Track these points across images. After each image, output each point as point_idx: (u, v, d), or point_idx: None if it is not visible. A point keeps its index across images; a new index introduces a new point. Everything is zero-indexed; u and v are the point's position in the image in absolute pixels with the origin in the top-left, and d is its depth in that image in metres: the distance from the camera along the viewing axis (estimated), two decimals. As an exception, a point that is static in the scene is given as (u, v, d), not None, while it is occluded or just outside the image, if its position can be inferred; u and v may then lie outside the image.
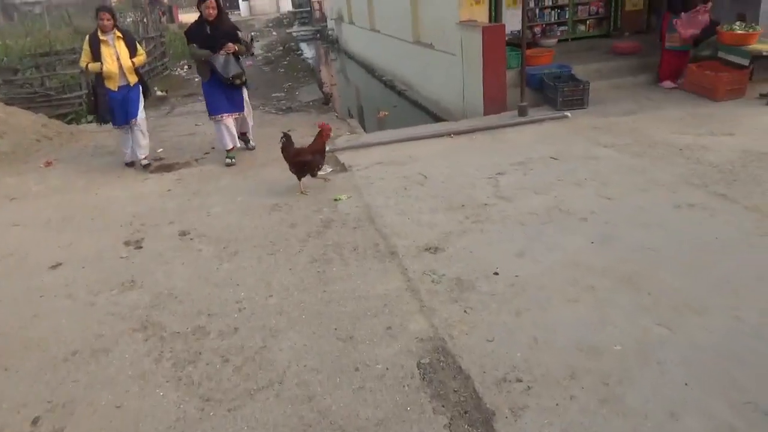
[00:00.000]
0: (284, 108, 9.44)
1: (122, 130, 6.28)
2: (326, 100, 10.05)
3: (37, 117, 8.38)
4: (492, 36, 6.96)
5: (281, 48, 20.85)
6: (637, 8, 9.64)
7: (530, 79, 7.11)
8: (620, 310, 2.95)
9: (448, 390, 2.51)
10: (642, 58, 7.97)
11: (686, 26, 7.03)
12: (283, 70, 15.01)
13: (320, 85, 11.65)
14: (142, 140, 6.26)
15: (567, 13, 9.56)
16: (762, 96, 6.57)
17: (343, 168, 5.64)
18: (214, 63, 5.67)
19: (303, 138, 7.00)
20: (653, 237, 3.67)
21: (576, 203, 4.29)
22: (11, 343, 3.22)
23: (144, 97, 6.35)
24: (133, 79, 6.06)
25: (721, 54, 7.11)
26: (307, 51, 22.19)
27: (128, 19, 17.60)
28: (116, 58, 5.90)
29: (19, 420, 2.62)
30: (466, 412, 2.38)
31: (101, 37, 5.83)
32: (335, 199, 4.86)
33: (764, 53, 6.71)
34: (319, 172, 5.55)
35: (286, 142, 5.17)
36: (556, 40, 9.23)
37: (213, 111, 6.07)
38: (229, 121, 6.07)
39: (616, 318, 2.88)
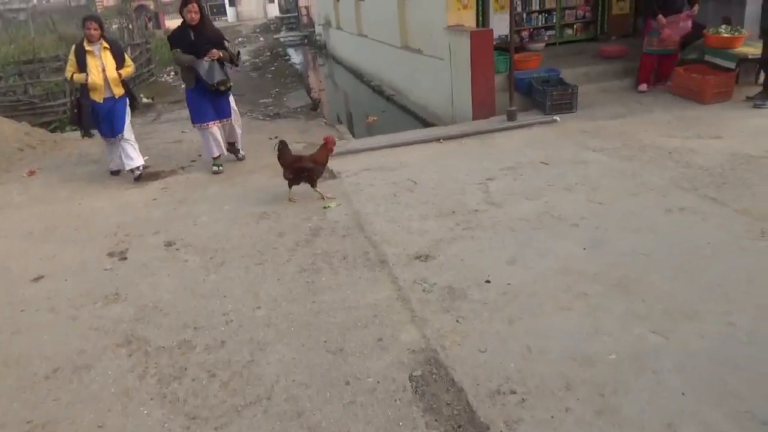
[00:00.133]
0: (272, 114, 9.38)
1: (108, 141, 6.12)
2: (314, 106, 10.00)
3: (19, 125, 8.25)
4: (480, 40, 6.94)
5: (269, 53, 20.78)
6: (624, 12, 9.69)
7: (519, 83, 7.10)
8: (613, 316, 2.91)
9: (441, 403, 2.46)
10: (629, 62, 7.99)
11: (676, 30, 7.05)
12: (270, 75, 14.95)
13: (308, 91, 11.60)
14: (132, 152, 6.01)
15: (554, 17, 9.60)
16: (748, 99, 6.60)
17: (332, 174, 5.57)
18: (198, 69, 5.57)
19: (290, 145, 6.96)
20: (645, 242, 3.65)
21: (567, 208, 4.26)
22: (-10, 360, 3.12)
23: (131, 109, 6.16)
24: (118, 91, 5.88)
25: (707, 57, 7.16)
26: (295, 56, 22.14)
27: (114, 26, 17.42)
28: (101, 70, 5.73)
29: (-3, 442, 2.53)
30: (459, 427, 2.33)
31: (87, 48, 5.68)
32: (324, 207, 4.79)
33: (750, 56, 6.76)
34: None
35: (282, 148, 5.06)
36: (544, 44, 9.26)
37: (198, 119, 5.96)
38: (215, 128, 5.97)
39: (609, 325, 2.84)
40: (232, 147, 6.35)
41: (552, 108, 6.79)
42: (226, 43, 5.85)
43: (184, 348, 3.07)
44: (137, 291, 3.74)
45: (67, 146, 8.01)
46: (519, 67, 7.39)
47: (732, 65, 6.83)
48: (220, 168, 6.10)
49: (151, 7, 46.68)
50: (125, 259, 4.26)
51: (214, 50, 5.59)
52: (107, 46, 5.79)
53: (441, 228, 4.16)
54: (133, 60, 6.33)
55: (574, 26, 9.78)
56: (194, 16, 5.58)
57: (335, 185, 5.26)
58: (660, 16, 7.01)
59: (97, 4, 44.71)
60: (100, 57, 5.73)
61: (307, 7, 28.64)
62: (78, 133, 7.92)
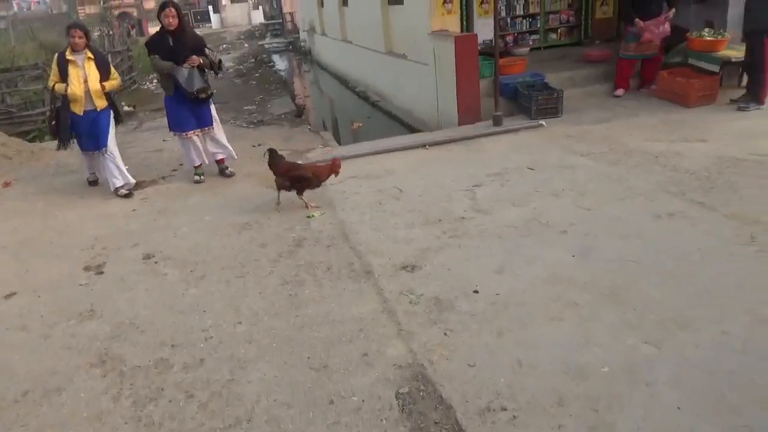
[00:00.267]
0: (255, 121, 9.24)
1: (87, 156, 5.84)
2: (299, 113, 9.88)
3: (-5, 135, 8.04)
4: (464, 45, 6.89)
5: (253, 60, 20.63)
6: (607, 16, 9.70)
7: (504, 88, 7.05)
8: (605, 327, 2.84)
9: (428, 422, 2.36)
10: (613, 66, 7.95)
11: (655, 35, 7.06)
12: (254, 82, 14.81)
13: (293, 98, 11.49)
14: (114, 169, 5.67)
15: (538, 21, 9.58)
16: (732, 101, 6.61)
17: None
18: (177, 76, 5.43)
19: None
20: (634, 248, 3.59)
21: (554, 215, 4.19)
22: (-44, 383, 2.97)
23: (116, 122, 5.89)
24: (101, 103, 5.59)
25: (691, 60, 7.17)
26: (280, 63, 22.02)
27: (95, 34, 17.17)
28: (83, 81, 5.44)
29: (-41, 473, 2.38)
30: (448, 447, 2.23)
31: (69, 57, 5.41)
32: (308, 216, 4.68)
33: (733, 59, 6.77)
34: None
35: (272, 157, 4.93)
36: (529, 48, 9.23)
37: (177, 128, 5.80)
38: (195, 137, 5.83)
39: (601, 336, 2.77)
40: (219, 163, 6.06)
41: (537, 113, 6.75)
42: (207, 50, 5.70)
43: (161, 367, 2.94)
44: (113, 307, 3.60)
45: (44, 156, 7.81)
46: (504, 72, 7.36)
47: (716, 68, 6.84)
48: (202, 177, 5.96)
49: (135, 14, 46.41)
50: (102, 273, 4.12)
51: (194, 57, 5.45)
52: (91, 56, 5.53)
53: (427, 236, 4.07)
54: (115, 67, 6.03)
55: (558, 30, 9.77)
56: (172, 21, 5.41)
57: (319, 193, 5.15)
58: (638, 20, 7.03)
59: (79, 11, 44.32)
60: (83, 67, 5.47)
61: (291, 14, 28.55)
62: (55, 143, 7.79)
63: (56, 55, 5.65)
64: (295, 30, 26.09)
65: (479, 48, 7.19)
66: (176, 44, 5.48)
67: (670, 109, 6.69)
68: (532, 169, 5.22)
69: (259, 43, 29.35)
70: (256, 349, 2.99)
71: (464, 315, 3.07)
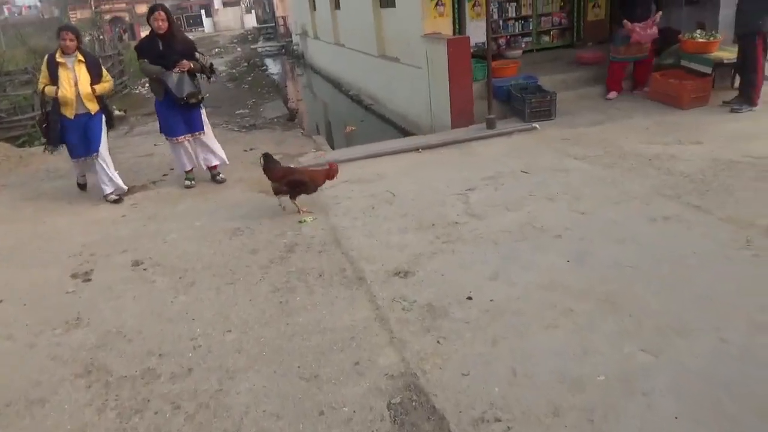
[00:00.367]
0: (248, 125, 9.18)
1: (78, 161, 5.65)
2: (291, 116, 9.83)
3: (-17, 141, 7.94)
4: (457, 48, 6.86)
5: (246, 64, 20.56)
6: (599, 18, 9.71)
7: (497, 90, 7.03)
8: (601, 334, 2.78)
9: (421, 434, 2.30)
10: (605, 68, 7.95)
11: (642, 37, 7.05)
12: (247, 86, 14.74)
13: (285, 101, 11.43)
14: (105, 176, 5.56)
15: (531, 24, 9.58)
16: (725, 103, 6.60)
17: (308, 187, 5.40)
18: (167, 81, 5.35)
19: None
20: (630, 253, 3.54)
21: (549, 219, 4.15)
22: (-64, 397, 2.88)
23: (108, 127, 5.76)
24: (92, 107, 5.46)
25: (683, 62, 7.16)
26: (273, 66, 21.97)
27: (86, 38, 17.06)
28: (74, 84, 5.31)
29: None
30: (442, 459, 2.17)
31: (59, 60, 5.27)
32: (300, 222, 4.62)
33: (725, 61, 6.77)
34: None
35: (267, 162, 4.84)
36: (521, 51, 9.22)
37: (168, 133, 5.74)
38: (186, 142, 5.75)
39: (597, 344, 2.72)
40: (211, 170, 5.97)
41: (531, 115, 6.72)
42: (197, 54, 5.62)
43: (148, 377, 2.87)
44: (100, 315, 3.52)
45: (33, 162, 7.72)
46: (497, 75, 7.34)
47: (708, 70, 6.84)
48: (193, 182, 5.88)
49: (127, 18, 46.27)
50: (89, 280, 4.04)
51: (184, 61, 5.37)
52: (82, 58, 5.39)
53: (421, 242, 4.02)
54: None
55: (551, 33, 9.77)
56: (161, 24, 5.33)
57: (311, 198, 5.08)
58: (626, 22, 7.03)
59: (70, 16, 44.11)
60: (74, 70, 5.33)
61: (284, 17, 28.53)
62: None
63: (46, 56, 5.52)
64: (288, 34, 26.06)
65: (472, 51, 7.16)
66: (166, 48, 5.40)
67: (664, 111, 6.68)
68: (527, 173, 5.18)
69: (252, 47, 29.29)
70: (246, 359, 2.92)
71: (458, 322, 3.02)
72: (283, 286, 3.60)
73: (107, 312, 3.55)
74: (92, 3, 44.36)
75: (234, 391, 2.69)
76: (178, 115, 5.60)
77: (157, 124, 6.13)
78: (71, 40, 5.30)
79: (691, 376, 2.44)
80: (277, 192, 4.77)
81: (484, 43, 7.05)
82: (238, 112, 10.78)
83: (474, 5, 8.72)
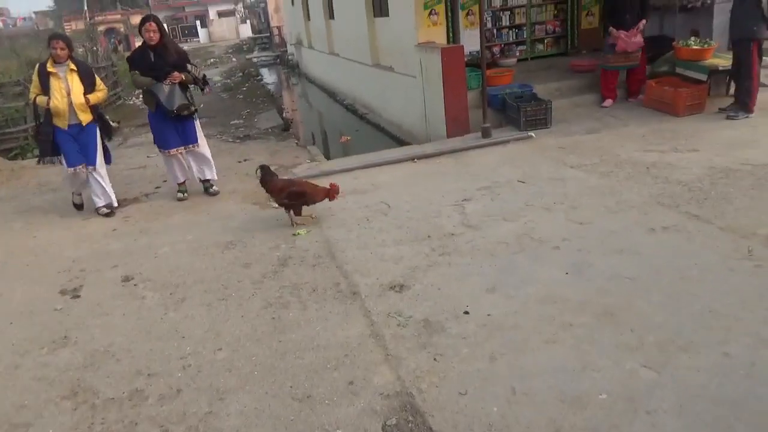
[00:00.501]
0: (242, 136, 9.12)
1: (73, 174, 5.40)
2: (286, 127, 9.77)
3: (-27, 154, 7.85)
4: (451, 57, 6.82)
5: (240, 74, 20.54)
6: (593, 26, 9.71)
7: (492, 99, 6.99)
8: (602, 350, 2.71)
9: (418, 458, 2.22)
10: (599, 76, 7.93)
11: (627, 45, 7.03)
12: (242, 96, 14.70)
13: (280, 111, 11.37)
14: (98, 188, 5.46)
15: (525, 32, 9.57)
16: (721, 110, 6.57)
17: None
18: (158, 93, 5.29)
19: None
20: (629, 264, 3.48)
21: (547, 230, 4.08)
22: None
23: (105, 138, 5.64)
24: (86, 117, 5.30)
25: (678, 69, 7.14)
26: (268, 76, 21.95)
27: (79, 49, 17.01)
28: (66, 94, 5.16)
29: None
30: (439, 485, 2.09)
31: (50, 69, 5.14)
32: (294, 234, 4.54)
33: (720, 68, 6.75)
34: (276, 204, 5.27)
35: (265, 174, 4.76)
36: (516, 59, 9.20)
37: (162, 145, 5.66)
38: (180, 155, 5.67)
39: (598, 360, 2.64)
40: (204, 182, 5.88)
41: (527, 124, 6.67)
42: (189, 66, 5.53)
43: (136, 399, 2.78)
44: (88, 334, 3.43)
45: (25, 175, 7.64)
46: (492, 83, 7.30)
47: (703, 77, 6.82)
48: (185, 195, 5.81)
49: (122, 29, 46.28)
50: (78, 297, 3.95)
51: (175, 73, 5.30)
52: (74, 67, 5.24)
53: (416, 254, 3.94)
54: None
55: (545, 41, 9.77)
56: (153, 36, 5.27)
57: (306, 210, 5.01)
58: (612, 29, 7.03)
59: (65, 27, 44.10)
60: (66, 79, 5.18)
61: (279, 27, 28.54)
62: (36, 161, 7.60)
63: (37, 65, 5.40)
64: (283, 43, 26.06)
65: (466, 59, 7.12)
66: (158, 59, 5.34)
67: (660, 119, 6.64)
68: (523, 182, 5.12)
69: (247, 56, 29.29)
70: (237, 378, 2.83)
71: (455, 338, 2.94)
72: (275, 302, 3.52)
73: (96, 330, 3.46)
74: (87, 14, 44.41)
75: (224, 413, 2.60)
76: (171, 127, 5.53)
77: (150, 136, 6.05)
78: (62, 48, 5.16)
79: (696, 394, 2.37)
80: (281, 204, 4.67)
81: (478, 52, 7.01)
82: (232, 122, 10.72)
83: (468, 14, 8.71)
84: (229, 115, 11.63)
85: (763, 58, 6.69)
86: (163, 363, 3.03)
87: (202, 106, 11.10)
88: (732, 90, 6.81)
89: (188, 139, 5.63)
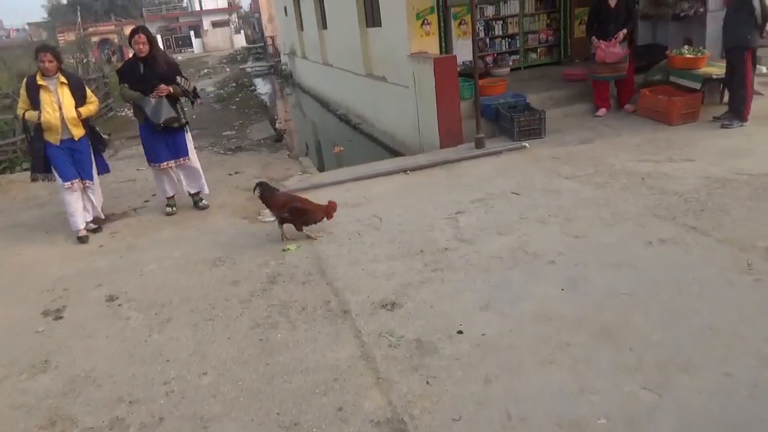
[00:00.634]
0: (233, 147, 9.02)
1: (69, 186, 5.14)
2: (278, 137, 9.68)
3: (-41, 168, 7.72)
4: (443, 67, 6.76)
5: (234, 84, 20.47)
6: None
7: (485, 109, 6.93)
8: (600, 371, 2.62)
9: (409, 490, 2.11)
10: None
11: (606, 55, 6.99)
12: (234, 107, 14.62)
13: (272, 122, 11.27)
14: (88, 204, 5.35)
15: (518, 42, 9.55)
16: (715, 119, 6.53)
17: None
18: (144, 107, 5.20)
19: (249, 181, 6.61)
20: (626, 279, 3.39)
21: (541, 243, 4.00)
22: None
23: (99, 150, 5.46)
24: (78, 132, 5.12)
25: (672, 78, 7.10)
26: (262, 86, 21.91)
27: (71, 60, 16.92)
28: (58, 107, 4.96)
29: None
30: None
31: (40, 82, 4.92)
32: (284, 250, 4.44)
33: (714, 76, 6.71)
34: (268, 218, 5.18)
35: (264, 191, 4.66)
36: (509, 69, 9.17)
37: (152, 159, 5.55)
38: (170, 169, 5.56)
39: (596, 382, 2.55)
40: (194, 195, 5.77)
41: (520, 134, 6.61)
42: (179, 78, 5.43)
43: (116, 428, 2.67)
44: (70, 357, 3.31)
45: (12, 189, 7.53)
46: (485, 93, 7.25)
47: (697, 86, 6.78)
48: (174, 209, 5.70)
49: (115, 40, 46.26)
50: (61, 318, 3.83)
51: (162, 86, 5.20)
52: (65, 80, 5.03)
53: (408, 270, 3.85)
54: None
55: (538, 50, 9.75)
56: (142, 47, 5.17)
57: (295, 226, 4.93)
58: (594, 39, 7.01)
59: (59, 38, 44.05)
60: (57, 92, 4.98)
61: (273, 37, 28.58)
62: (26, 174, 7.47)
63: (25, 79, 5.19)
64: (277, 53, 26.07)
65: (459, 69, 7.08)
66: (147, 71, 5.24)
67: (654, 128, 6.59)
68: (517, 194, 5.05)
69: (241, 67, 29.28)
70: (222, 405, 2.72)
71: (448, 359, 2.84)
72: (264, 322, 3.42)
73: (77, 353, 3.35)
74: (80, 25, 44.39)
75: (208, 442, 2.50)
76: (162, 141, 5.42)
77: (141, 148, 5.93)
78: (50, 61, 4.94)
79: (698, 417, 2.28)
80: (283, 220, 4.56)
81: (471, 62, 6.96)
82: (224, 133, 10.63)
83: (460, 24, 8.68)
84: (221, 126, 11.54)
85: (757, 66, 6.67)
86: (146, 389, 2.92)
87: (194, 117, 11.02)
88: (726, 98, 6.77)
89: (179, 152, 5.53)
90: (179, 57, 41.54)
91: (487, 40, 9.36)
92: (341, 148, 9.71)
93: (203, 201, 5.78)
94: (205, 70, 29.41)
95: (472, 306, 3.31)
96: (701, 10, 7.49)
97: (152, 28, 46.45)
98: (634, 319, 2.99)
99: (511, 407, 2.46)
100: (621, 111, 7.39)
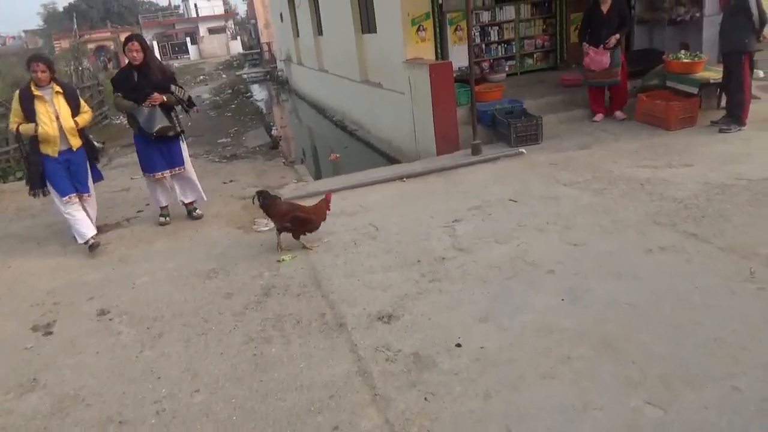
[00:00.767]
0: (228, 155, 8.95)
1: (67, 201, 4.96)
2: (274, 145, 9.62)
3: (-50, 178, 7.63)
4: (439, 73, 6.71)
5: (230, 91, 20.44)
6: (582, 40, 9.65)
7: (482, 115, 6.88)
8: (603, 386, 2.55)
9: None
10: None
11: (592, 62, 6.95)
12: (230, 114, 14.57)
13: (268, 129, 11.22)
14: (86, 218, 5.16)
15: (514, 47, 9.52)
16: (713, 123, 6.48)
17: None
18: (137, 116, 5.13)
19: (244, 190, 6.55)
20: (628, 289, 3.33)
21: (540, 252, 3.93)
22: None
23: (92, 161, 5.30)
24: (76, 142, 4.97)
25: (669, 83, 7.07)
26: (258, 93, 21.88)
27: (65, 67, 16.86)
28: (55, 118, 4.79)
29: None
30: None
31: (36, 92, 4.75)
32: (278, 261, 4.37)
33: (712, 80, 6.68)
34: (263, 228, 5.12)
35: (265, 199, 4.55)
36: (505, 74, 9.13)
37: (146, 169, 5.46)
38: (165, 180, 5.48)
39: (600, 397, 2.48)
40: (188, 205, 5.69)
41: (517, 140, 6.56)
42: (173, 87, 5.34)
43: (105, 450, 2.58)
44: (59, 375, 3.23)
45: (5, 199, 7.43)
46: (481, 99, 7.20)
47: (694, 90, 6.74)
48: (167, 219, 5.62)
49: (112, 47, 46.21)
50: (51, 333, 3.75)
51: (155, 95, 5.12)
52: (60, 89, 4.87)
53: (405, 281, 3.78)
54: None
55: (534, 56, 9.72)
56: (136, 56, 5.09)
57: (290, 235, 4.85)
58: (585, 44, 6.98)
59: (55, 46, 43.99)
60: (53, 102, 4.81)
61: (269, 43, 28.58)
62: (20, 184, 7.38)
63: (17, 92, 4.99)
64: (273, 60, 26.06)
65: (455, 75, 7.02)
66: (141, 79, 5.16)
67: (651, 133, 6.55)
68: (515, 201, 4.98)
69: (237, 73, 29.26)
70: (214, 425, 2.64)
71: (447, 374, 2.77)
72: (257, 336, 3.34)
73: (67, 371, 3.26)
74: (77, 33, 44.35)
75: (199, 464, 2.42)
76: (156, 150, 5.33)
77: (135, 156, 5.85)
78: (42, 71, 4.75)
79: (705, 435, 2.21)
80: (285, 230, 4.48)
81: (467, 68, 6.92)
82: (219, 141, 10.57)
83: (456, 29, 8.65)
84: (216, 133, 11.48)
85: (755, 70, 6.64)
86: (136, 408, 2.84)
87: (189, 124, 10.94)
88: (723, 103, 6.74)
89: (174, 161, 5.44)
90: (175, 64, 41.52)
91: (483, 45, 9.33)
92: (337, 155, 9.65)
93: (197, 210, 5.70)
94: (201, 77, 29.38)
95: (471, 318, 3.24)
96: (698, 14, 7.48)
97: (148, 35, 46.52)
98: (637, 331, 2.92)
99: (512, 424, 2.39)
100: (613, 118, 7.27)
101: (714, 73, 6.70)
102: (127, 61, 5.27)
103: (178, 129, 5.43)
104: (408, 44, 7.54)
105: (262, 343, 3.27)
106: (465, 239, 4.32)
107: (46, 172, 4.95)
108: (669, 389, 2.47)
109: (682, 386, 2.48)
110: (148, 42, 5.57)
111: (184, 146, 5.55)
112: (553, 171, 5.66)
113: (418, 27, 7.58)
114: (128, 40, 5.18)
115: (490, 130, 7.00)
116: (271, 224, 4.90)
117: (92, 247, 5.01)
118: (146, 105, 5.10)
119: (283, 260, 4.36)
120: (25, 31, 64.54)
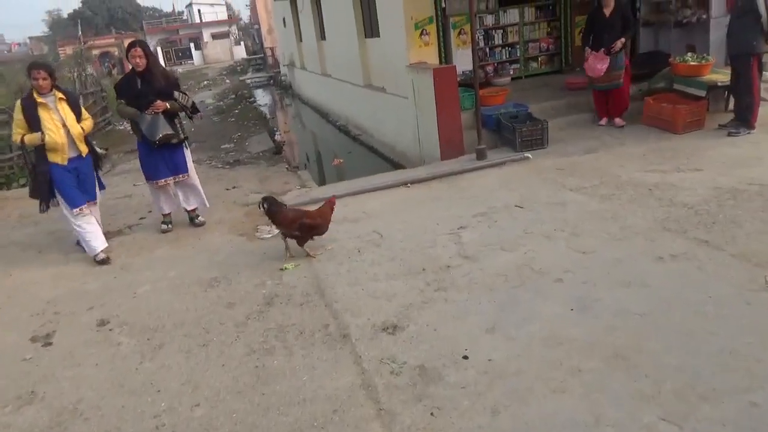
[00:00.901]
0: (231, 161, 8.91)
1: (76, 214, 4.86)
2: (277, 150, 9.58)
3: (-48, 186, 7.61)
4: (443, 77, 6.65)
5: (233, 96, 20.44)
6: (587, 43, 9.58)
7: (486, 119, 6.81)
8: (615, 400, 2.47)
9: None
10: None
11: (589, 68, 6.87)
12: (233, 119, 14.54)
13: (271, 134, 11.18)
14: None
15: (518, 51, 9.44)
16: (721, 127, 6.39)
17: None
18: (140, 123, 5.08)
19: (247, 196, 6.50)
20: (639, 299, 3.24)
21: (548, 260, 3.85)
22: None
23: (97, 168, 5.23)
24: (84, 149, 4.88)
25: (676, 86, 6.98)
26: (261, 98, 21.88)
27: (67, 74, 16.87)
28: (61, 125, 4.69)
29: None
30: None
31: (39, 100, 4.64)
32: (281, 269, 4.30)
33: (719, 83, 6.59)
34: (266, 235, 5.06)
35: (272, 205, 4.46)
36: (510, 78, 9.06)
37: (150, 176, 5.39)
38: (168, 187, 5.42)
39: (612, 412, 2.40)
40: (190, 212, 5.62)
41: (522, 145, 6.48)
42: (177, 94, 5.28)
43: (103, 467, 2.52)
44: (57, 388, 3.17)
45: (6, 206, 7.41)
46: (486, 103, 7.13)
47: (702, 93, 6.65)
48: (170, 226, 5.57)
49: (116, 53, 46.41)
50: (50, 344, 3.69)
51: (158, 102, 5.06)
52: (63, 96, 4.78)
53: (410, 290, 3.70)
54: (87, 110, 5.30)
55: (539, 59, 9.65)
56: (140, 62, 5.03)
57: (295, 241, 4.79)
58: (587, 49, 6.89)
59: (59, 52, 44.21)
60: (57, 109, 4.71)
61: (272, 48, 28.60)
62: (22, 191, 7.35)
63: (19, 101, 4.88)
64: (277, 64, 26.07)
65: (459, 79, 6.97)
66: (144, 86, 5.10)
67: (658, 137, 6.46)
68: (521, 207, 4.91)
69: (241, 78, 29.29)
70: (214, 440, 2.57)
71: (453, 388, 2.69)
72: (259, 347, 3.27)
73: (65, 383, 3.20)
74: (81, 39, 44.57)
75: (199, 482, 2.35)
76: (160, 157, 5.28)
77: (138, 162, 5.80)
78: (44, 78, 4.65)
79: (723, 453, 2.12)
80: (292, 237, 4.41)
81: (471, 71, 6.86)
82: (223, 146, 10.53)
83: (459, 33, 8.59)
84: (219, 139, 11.45)
85: (763, 72, 6.55)
86: (135, 422, 2.77)
87: (192, 130, 10.91)
88: (731, 106, 6.64)
89: (178, 168, 5.38)
90: (179, 69, 41.68)
91: (487, 49, 9.26)
92: (341, 160, 9.60)
93: (200, 217, 5.64)
94: (205, 82, 29.44)
95: (478, 328, 3.16)
96: (704, 16, 7.39)
97: (152, 41, 46.70)
98: (649, 342, 2.84)
99: (521, 442, 2.31)
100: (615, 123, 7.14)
101: (721, 76, 6.61)
102: (130, 67, 5.23)
103: (182, 136, 5.39)
104: (411, 48, 7.49)
105: (264, 354, 3.20)
106: (471, 246, 4.25)
107: (55, 181, 4.83)
108: (684, 404, 2.39)
109: (698, 401, 2.40)
110: (151, 48, 5.53)
111: (187, 153, 5.50)
112: (560, 176, 5.59)
113: (422, 31, 7.53)
114: (131, 46, 5.14)
115: (494, 134, 6.93)
116: (275, 231, 4.85)
117: (102, 262, 4.92)
118: (149, 113, 5.05)
119: (286, 269, 4.30)
120: (31, 38, 64.98)
